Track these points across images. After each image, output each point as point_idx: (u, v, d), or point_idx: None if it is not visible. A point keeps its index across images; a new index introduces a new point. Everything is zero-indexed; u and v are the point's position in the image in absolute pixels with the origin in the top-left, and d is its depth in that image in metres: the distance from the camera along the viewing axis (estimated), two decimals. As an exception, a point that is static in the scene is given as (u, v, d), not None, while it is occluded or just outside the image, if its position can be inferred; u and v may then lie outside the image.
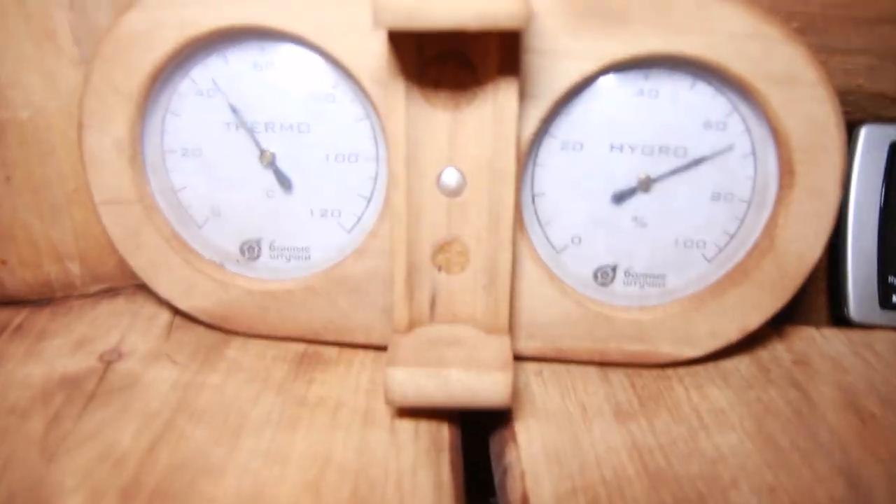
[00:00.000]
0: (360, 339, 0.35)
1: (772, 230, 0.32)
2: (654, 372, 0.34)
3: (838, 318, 0.40)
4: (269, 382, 0.32)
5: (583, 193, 0.33)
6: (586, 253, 0.34)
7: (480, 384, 0.28)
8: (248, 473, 0.27)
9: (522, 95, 0.29)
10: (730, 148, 0.32)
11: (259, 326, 0.35)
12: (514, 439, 0.29)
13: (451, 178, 0.30)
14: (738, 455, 0.29)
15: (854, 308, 0.39)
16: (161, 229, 0.34)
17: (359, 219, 0.34)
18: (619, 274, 0.34)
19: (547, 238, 0.33)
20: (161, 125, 0.33)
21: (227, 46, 0.32)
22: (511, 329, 0.32)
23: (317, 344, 0.35)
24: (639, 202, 0.33)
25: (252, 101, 0.33)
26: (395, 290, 0.31)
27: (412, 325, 0.32)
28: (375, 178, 0.33)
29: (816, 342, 0.37)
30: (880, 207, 0.38)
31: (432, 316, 0.33)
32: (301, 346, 0.35)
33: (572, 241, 0.33)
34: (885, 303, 0.39)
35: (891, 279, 0.39)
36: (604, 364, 0.34)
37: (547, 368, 0.34)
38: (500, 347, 0.30)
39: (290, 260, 0.35)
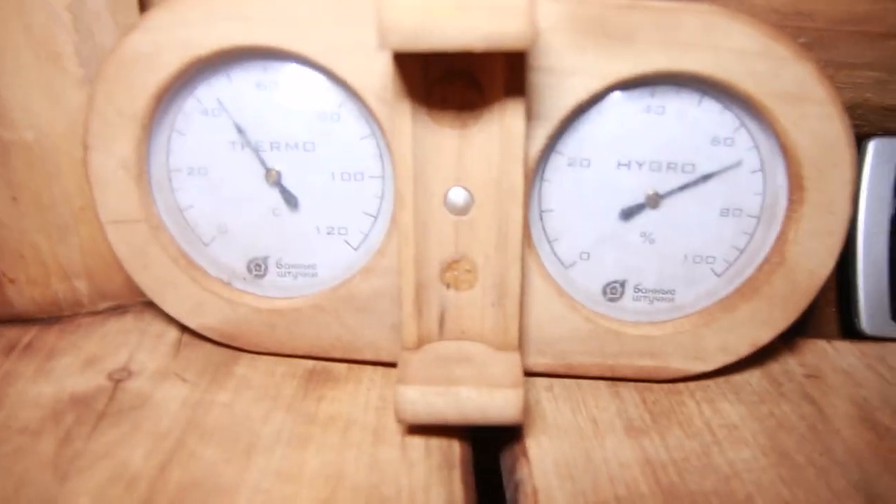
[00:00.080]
0: (369, 357, 0.35)
1: (782, 245, 0.32)
2: (665, 387, 0.34)
3: (849, 329, 0.40)
4: (278, 400, 0.32)
5: (591, 210, 0.32)
6: (595, 269, 0.33)
7: (491, 401, 0.28)
8: (260, 493, 0.27)
9: (529, 114, 0.29)
10: (738, 164, 0.31)
11: (267, 344, 0.35)
12: (525, 455, 0.29)
13: (458, 196, 0.30)
14: (753, 471, 0.28)
15: (866, 321, 0.38)
16: (167, 248, 0.34)
17: (365, 236, 0.34)
18: (629, 289, 0.34)
19: (555, 254, 0.33)
20: (167, 144, 0.33)
21: (232, 66, 0.32)
22: (520, 345, 0.32)
23: (325, 360, 0.35)
24: (647, 218, 0.32)
25: (257, 120, 0.32)
26: (404, 308, 0.31)
27: (421, 343, 0.32)
28: (382, 196, 0.33)
29: (829, 355, 0.37)
30: (890, 219, 0.38)
31: (441, 333, 0.33)
32: (310, 363, 0.35)
33: (581, 257, 0.33)
34: (897, 315, 0.38)
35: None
36: (614, 379, 0.34)
37: (557, 384, 0.34)
38: (510, 364, 0.30)
39: (297, 277, 0.35)
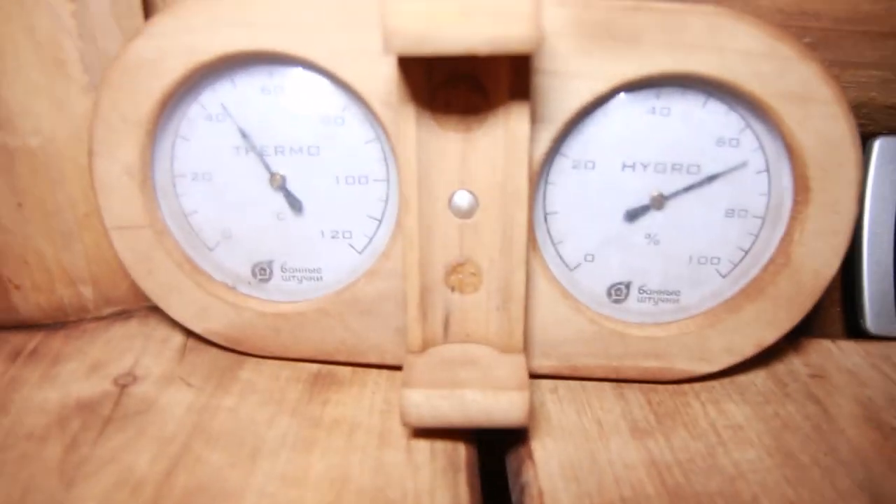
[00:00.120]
0: (374, 360, 0.35)
1: (787, 246, 0.32)
2: (670, 388, 0.34)
3: (854, 329, 0.40)
4: (283, 404, 0.32)
5: (595, 212, 0.32)
6: (600, 270, 0.33)
7: (497, 404, 0.28)
8: (265, 497, 0.27)
9: (534, 117, 0.29)
10: (743, 164, 0.31)
11: (272, 348, 0.35)
12: (530, 457, 0.29)
13: (462, 199, 0.30)
14: (758, 471, 0.28)
15: (871, 320, 0.38)
16: (172, 253, 0.34)
17: (370, 240, 0.34)
18: (633, 291, 0.34)
19: (560, 256, 0.33)
20: (171, 150, 0.33)
21: (236, 71, 0.32)
22: (525, 348, 0.32)
23: (330, 364, 0.35)
24: (652, 219, 0.32)
25: (262, 124, 0.33)
26: (409, 311, 0.31)
27: (426, 346, 0.32)
28: (386, 200, 0.33)
29: (833, 355, 0.36)
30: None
31: (446, 336, 0.33)
32: (315, 367, 0.35)
33: (585, 258, 0.33)
34: (901, 314, 0.38)
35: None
36: (619, 381, 0.34)
37: (562, 386, 0.34)
38: (515, 367, 0.30)
39: (301, 281, 0.35)
